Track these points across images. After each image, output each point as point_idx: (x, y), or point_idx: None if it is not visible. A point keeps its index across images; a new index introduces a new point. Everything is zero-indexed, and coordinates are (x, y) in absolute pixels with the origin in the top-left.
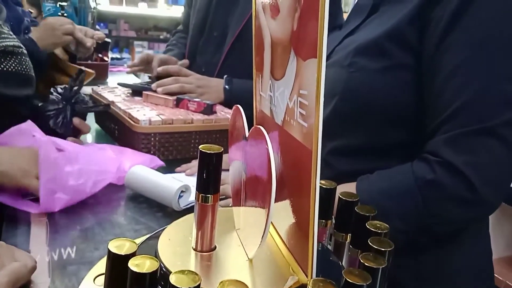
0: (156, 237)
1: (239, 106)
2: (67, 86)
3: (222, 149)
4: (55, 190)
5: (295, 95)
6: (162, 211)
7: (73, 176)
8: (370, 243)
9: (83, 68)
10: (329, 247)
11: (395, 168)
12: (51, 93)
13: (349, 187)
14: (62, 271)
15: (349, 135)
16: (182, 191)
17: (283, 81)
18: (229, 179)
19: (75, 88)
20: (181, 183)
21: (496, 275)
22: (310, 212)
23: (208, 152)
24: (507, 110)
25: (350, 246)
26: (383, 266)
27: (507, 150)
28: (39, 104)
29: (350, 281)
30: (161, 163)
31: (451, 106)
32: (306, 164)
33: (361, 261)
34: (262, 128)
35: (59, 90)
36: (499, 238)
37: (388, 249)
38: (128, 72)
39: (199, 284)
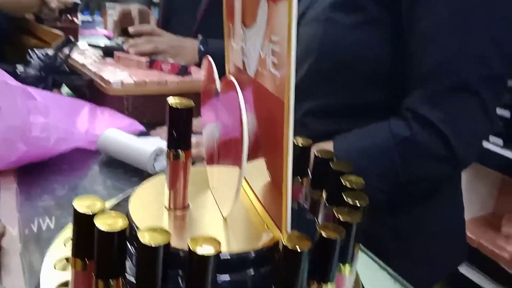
0: (127, 198)
1: (209, 57)
2: (49, 53)
3: (193, 104)
4: (15, 140)
5: (267, 42)
6: (138, 176)
7: (37, 128)
8: (345, 198)
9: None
10: (305, 205)
11: (372, 126)
12: (30, 56)
13: (326, 146)
14: (34, 237)
15: (326, 94)
16: (157, 154)
17: (254, 29)
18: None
19: (61, 58)
20: (156, 145)
21: (469, 235)
22: (284, 166)
23: (177, 107)
24: (484, 67)
25: (326, 203)
26: (358, 221)
27: (482, 107)
28: (17, 69)
29: (325, 235)
30: (141, 127)
31: (428, 64)
32: (280, 116)
33: (336, 215)
34: (232, 78)
35: (39, 55)
36: (473, 199)
37: (364, 204)
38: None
39: (169, 241)
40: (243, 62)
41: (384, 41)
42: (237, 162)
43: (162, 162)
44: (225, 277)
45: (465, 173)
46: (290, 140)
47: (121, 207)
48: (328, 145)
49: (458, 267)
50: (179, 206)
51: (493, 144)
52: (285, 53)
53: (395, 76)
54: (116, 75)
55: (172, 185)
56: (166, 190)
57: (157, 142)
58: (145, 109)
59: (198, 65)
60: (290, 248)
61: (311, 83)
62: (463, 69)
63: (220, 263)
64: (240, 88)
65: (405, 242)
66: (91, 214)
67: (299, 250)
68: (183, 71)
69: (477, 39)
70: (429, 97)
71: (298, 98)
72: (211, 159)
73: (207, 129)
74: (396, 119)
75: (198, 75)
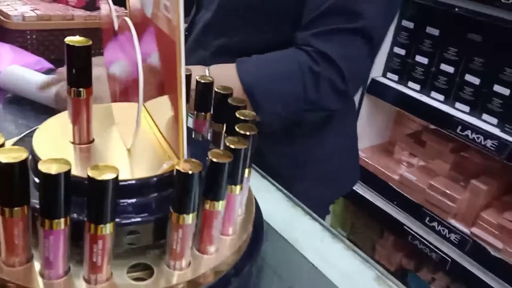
0: (31, 135)
1: None
2: None
3: (90, 41)
4: None
5: None
6: (49, 113)
7: None
8: (237, 129)
9: None
10: (208, 137)
11: (276, 54)
12: None
13: (227, 68)
14: None
15: (234, 33)
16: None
17: None
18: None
19: None
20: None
21: (367, 160)
22: (178, 100)
23: (75, 45)
24: (373, 10)
25: (225, 135)
26: (245, 147)
27: (370, 47)
28: None
29: (214, 160)
30: (49, 65)
31: (323, 5)
32: (173, 55)
33: (226, 143)
34: (128, 19)
35: None
36: (372, 129)
37: (252, 133)
38: None
39: (69, 170)
40: (141, 2)
41: None
42: (136, 97)
43: None
44: (130, 201)
45: (365, 106)
46: (183, 76)
47: (25, 142)
48: (229, 68)
49: (356, 188)
50: (84, 141)
51: (389, 80)
52: None
53: (291, 13)
54: (17, 8)
55: (75, 121)
56: (70, 126)
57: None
58: (50, 45)
59: None
60: (182, 171)
61: (221, 21)
62: (354, 12)
63: (125, 188)
64: (139, 28)
65: (301, 168)
66: None
67: (190, 173)
68: (91, 5)
69: None
70: (325, 35)
71: (208, 36)
72: (114, 95)
73: (109, 67)
74: (298, 50)
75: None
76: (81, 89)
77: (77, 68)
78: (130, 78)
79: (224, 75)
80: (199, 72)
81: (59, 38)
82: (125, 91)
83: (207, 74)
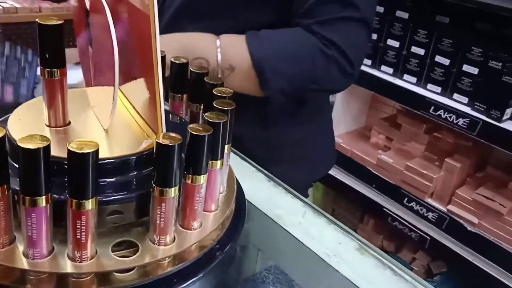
0: (6, 120)
1: None
2: None
3: (62, 20)
4: None
5: None
6: None
7: None
8: (215, 105)
9: None
10: (186, 118)
11: (287, 32)
12: None
13: (237, 40)
14: None
15: (210, 18)
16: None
17: None
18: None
19: None
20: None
21: (344, 146)
22: (155, 77)
23: (46, 24)
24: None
25: (203, 114)
26: (224, 120)
27: (368, 34)
28: None
29: (194, 132)
30: None
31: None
32: (148, 31)
33: (205, 118)
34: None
35: None
36: (348, 115)
37: (230, 108)
38: None
39: (49, 145)
40: None
41: None
42: (111, 77)
43: None
44: (111, 180)
45: (340, 93)
46: (158, 49)
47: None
48: (239, 39)
49: (334, 174)
50: (60, 124)
51: (362, 64)
52: None
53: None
54: None
55: (50, 103)
56: (45, 109)
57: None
58: (18, 39)
59: None
60: (162, 143)
61: (193, 4)
62: (358, 2)
63: (105, 167)
64: (112, 7)
65: (276, 151)
66: None
67: (170, 145)
68: None
69: None
70: (327, 23)
71: (181, 20)
72: (89, 79)
73: (82, 53)
74: (307, 33)
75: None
76: (54, 70)
77: (50, 48)
78: (103, 60)
79: (234, 47)
80: (209, 39)
81: (27, 31)
82: (99, 74)
83: (218, 44)
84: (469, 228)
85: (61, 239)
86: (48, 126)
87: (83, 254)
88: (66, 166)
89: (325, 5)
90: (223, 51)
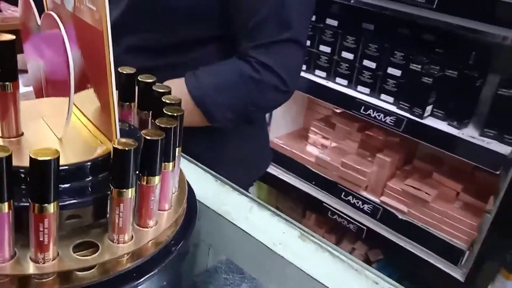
0: None
1: None
2: None
3: (13, 36)
4: None
5: None
6: None
7: None
8: (165, 111)
9: None
10: (135, 125)
11: (220, 65)
12: None
13: (178, 83)
14: None
15: (145, 30)
16: None
17: None
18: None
19: None
20: None
21: (285, 146)
22: (109, 87)
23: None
24: (298, 19)
25: (152, 121)
26: (175, 125)
27: (301, 51)
28: None
29: (148, 137)
30: None
31: (256, 17)
32: (101, 46)
33: (157, 123)
34: (53, 13)
35: None
36: (287, 118)
37: (180, 114)
38: None
39: (11, 154)
40: None
41: None
42: (66, 89)
43: None
44: (67, 185)
45: None
46: (111, 64)
47: None
48: (180, 83)
49: (276, 173)
50: (13, 134)
51: None
52: None
53: (224, 16)
54: None
55: (3, 115)
56: None
57: None
58: None
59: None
60: (119, 149)
61: (130, 18)
62: (290, 23)
63: (62, 174)
64: (63, 21)
65: (219, 155)
66: None
67: (126, 149)
68: None
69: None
70: (262, 47)
71: (118, 34)
72: (40, 91)
73: (31, 64)
74: (240, 60)
75: (10, 11)
76: (7, 83)
77: (2, 62)
78: (55, 73)
79: (175, 91)
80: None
81: None
82: (51, 87)
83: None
84: (400, 217)
85: (22, 244)
86: (1, 137)
87: (46, 255)
88: (27, 173)
89: (262, 27)
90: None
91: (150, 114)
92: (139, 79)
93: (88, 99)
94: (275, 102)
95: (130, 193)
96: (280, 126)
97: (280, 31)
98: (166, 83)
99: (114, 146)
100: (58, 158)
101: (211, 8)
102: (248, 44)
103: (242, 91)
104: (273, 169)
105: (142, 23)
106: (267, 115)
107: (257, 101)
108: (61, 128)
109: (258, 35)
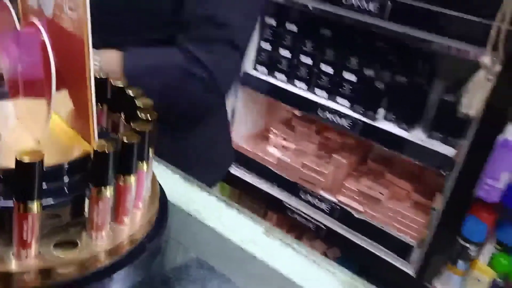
0: None
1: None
2: None
3: None
4: None
5: None
6: None
7: None
8: (139, 115)
9: None
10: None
11: (160, 50)
12: None
13: (111, 54)
14: None
15: (113, 31)
16: None
17: None
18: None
19: None
20: None
21: (246, 147)
22: (88, 92)
23: None
24: (237, 21)
25: (125, 123)
26: (150, 129)
27: (235, 52)
28: None
29: (125, 140)
30: None
31: (196, 14)
32: (80, 52)
33: (133, 127)
34: (36, 20)
35: None
36: (248, 119)
37: (153, 118)
38: None
39: None
40: (38, 3)
41: None
42: (44, 94)
43: None
44: (46, 186)
45: (240, 99)
46: (92, 69)
47: None
48: (114, 55)
49: (238, 174)
50: None
51: (259, 72)
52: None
53: (178, 20)
54: None
55: None
56: None
57: None
58: None
59: None
60: (100, 151)
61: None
62: (227, 22)
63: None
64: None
65: (183, 157)
66: None
67: (107, 151)
68: None
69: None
70: (202, 44)
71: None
72: (15, 93)
73: (6, 68)
74: (178, 50)
75: None
76: None
77: None
78: (32, 77)
79: (110, 64)
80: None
81: None
82: (26, 89)
83: (98, 59)
84: (356, 216)
85: (3, 243)
86: None
87: (28, 252)
88: (11, 174)
89: (199, 25)
90: (104, 67)
91: (123, 115)
92: (112, 82)
93: (62, 101)
94: (202, 97)
95: (108, 192)
96: (242, 126)
97: (216, 28)
98: (102, 52)
99: (94, 148)
100: (43, 160)
101: (162, 8)
102: (186, 37)
103: (168, 78)
104: (235, 170)
105: (108, 22)
106: (229, 116)
107: (183, 91)
108: (37, 129)
109: (196, 30)
